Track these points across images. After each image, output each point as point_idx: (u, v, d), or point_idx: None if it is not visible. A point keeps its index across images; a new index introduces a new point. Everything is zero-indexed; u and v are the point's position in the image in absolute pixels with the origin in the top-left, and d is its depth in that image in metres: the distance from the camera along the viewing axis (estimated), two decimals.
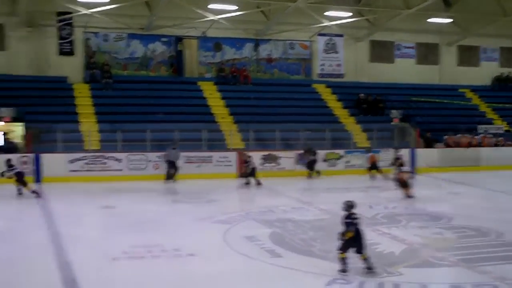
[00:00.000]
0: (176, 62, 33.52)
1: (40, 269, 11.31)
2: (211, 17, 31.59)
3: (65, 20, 30.18)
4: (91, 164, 24.72)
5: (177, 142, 25.35)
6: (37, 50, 30.87)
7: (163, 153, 24.92)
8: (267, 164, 26.74)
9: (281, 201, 19.91)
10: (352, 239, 10.46)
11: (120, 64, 32.62)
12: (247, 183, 23.73)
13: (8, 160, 21.28)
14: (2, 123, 27.95)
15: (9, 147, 25.34)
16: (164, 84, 32.16)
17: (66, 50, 30.68)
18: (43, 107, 27.93)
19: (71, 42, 30.60)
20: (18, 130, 28.30)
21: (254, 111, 30.74)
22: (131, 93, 30.46)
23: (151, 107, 29.47)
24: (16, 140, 26.94)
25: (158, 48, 33.47)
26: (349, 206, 10.69)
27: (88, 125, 27.19)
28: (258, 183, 23.61)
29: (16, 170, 20.77)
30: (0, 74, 29.70)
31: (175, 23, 31.81)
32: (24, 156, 24.11)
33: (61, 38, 30.48)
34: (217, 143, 27.37)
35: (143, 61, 33.14)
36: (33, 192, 20.35)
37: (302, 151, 26.79)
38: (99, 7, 29.60)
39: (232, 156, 26.42)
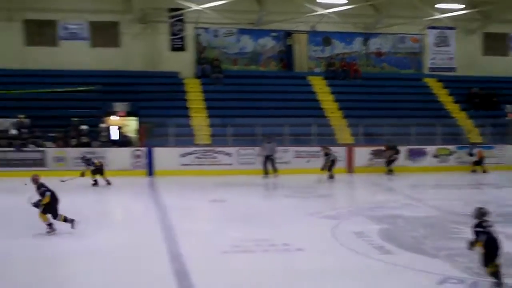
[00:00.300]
0: (286, 57, 33.56)
1: (152, 260, 11.54)
2: (321, 11, 31.41)
3: (177, 17, 30.79)
4: (202, 158, 25.12)
5: (272, 136, 25.24)
6: (149, 46, 31.69)
7: (259, 147, 24.91)
8: (376, 160, 26.30)
9: (390, 197, 19.56)
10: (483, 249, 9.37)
11: (230, 59, 32.98)
12: (331, 177, 23.50)
13: (84, 157, 22.33)
14: (117, 117, 28.88)
15: (124, 141, 26.10)
16: (273, 79, 32.25)
17: (177, 46, 31.29)
18: (156, 102, 28.55)
19: (182, 38, 31.18)
20: (132, 125, 29.19)
21: (364, 106, 30.31)
22: (241, 88, 30.69)
23: (261, 101, 29.58)
24: (130, 134, 27.75)
25: (268, 43, 33.61)
26: (482, 213, 9.43)
27: (199, 120, 27.64)
28: (331, 177, 23.41)
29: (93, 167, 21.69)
30: (115, 70, 30.62)
31: (285, 18, 31.79)
32: (137, 150, 24.78)
33: (173, 34, 31.12)
34: (326, 138, 27.15)
35: (253, 56, 33.38)
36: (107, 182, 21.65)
37: (383, 148, 26.11)
38: (210, 3, 30.00)
39: (341, 151, 26.15)
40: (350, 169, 25.71)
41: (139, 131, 26.88)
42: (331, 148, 24.40)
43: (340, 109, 30.11)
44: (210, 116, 28.10)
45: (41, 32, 31.08)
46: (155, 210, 17.21)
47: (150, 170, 24.68)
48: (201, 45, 32.60)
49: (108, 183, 21.86)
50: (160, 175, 24.29)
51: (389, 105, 30.66)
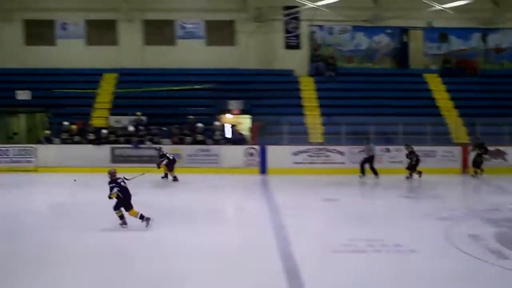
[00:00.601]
0: (401, 54, 32.99)
1: (263, 258, 11.66)
2: (438, 6, 30.64)
3: (292, 14, 30.93)
4: (314, 156, 25.09)
5: (369, 136, 24.80)
6: (264, 44, 31.96)
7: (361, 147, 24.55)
8: (493, 160, 25.40)
9: (508, 199, 18.87)
10: None
11: (344, 57, 32.78)
12: (410, 176, 22.95)
13: (160, 149, 22.93)
14: (231, 115, 29.33)
15: (238, 138, 26.44)
16: (388, 77, 31.72)
17: (292, 44, 31.44)
18: (270, 100, 28.75)
19: (297, 36, 31.30)
20: (245, 123, 29.56)
21: (481, 104, 29.29)
22: (355, 86, 30.39)
23: (374, 99, 29.22)
24: (244, 132, 28.09)
25: (383, 40, 33.17)
26: None
27: (313, 118, 27.61)
28: (409, 177, 22.85)
29: (166, 160, 22.22)
30: (230, 69, 31.12)
31: (400, 14, 31.24)
32: (250, 148, 25.06)
33: (288, 32, 31.29)
34: (441, 137, 26.49)
35: (367, 54, 33.03)
36: (174, 178, 22.21)
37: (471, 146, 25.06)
38: (325, 0, 29.88)
39: (457, 151, 25.44)
40: (464, 169, 24.95)
41: (253, 129, 27.16)
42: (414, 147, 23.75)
43: (456, 107, 29.24)
44: (323, 114, 28.00)
45: (160, 32, 32.07)
46: (267, 208, 17.34)
47: (263, 168, 24.90)
48: (316, 42, 32.58)
49: (175, 179, 22.38)
50: (272, 173, 24.45)
51: (509, 103, 29.48)
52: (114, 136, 25.55)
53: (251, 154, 24.89)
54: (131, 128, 25.80)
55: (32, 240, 13.26)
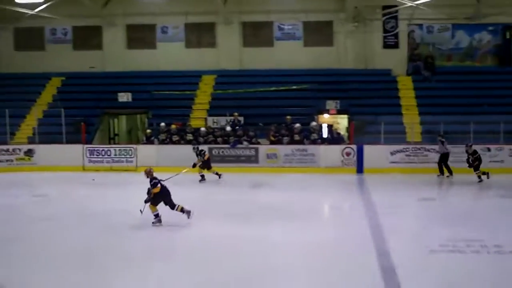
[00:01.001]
0: (503, 51, 32.05)
1: (359, 255, 11.74)
2: None
3: (390, 14, 30.65)
4: (412, 156, 24.76)
5: (443, 134, 24.13)
6: (362, 44, 31.77)
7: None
8: None
9: None
10: None
11: (444, 56, 32.15)
12: (481, 178, 22.02)
13: (197, 147, 23.03)
14: (328, 115, 29.35)
15: (335, 138, 26.40)
16: (489, 75, 30.88)
17: (390, 43, 31.15)
18: (367, 99, 28.63)
19: (395, 35, 30.98)
20: (342, 122, 29.51)
21: None
22: (454, 85, 29.76)
23: (474, 98, 28.56)
24: (341, 132, 28.03)
25: (484, 37, 32.31)
26: None
27: (410, 117, 27.27)
28: (480, 179, 21.96)
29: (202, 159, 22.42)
30: (328, 69, 31.14)
31: (503, 11, 30.38)
32: (347, 147, 25.00)
33: (386, 31, 31.03)
34: None
35: (468, 52, 32.25)
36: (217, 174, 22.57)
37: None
38: None
39: None
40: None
41: (350, 128, 27.10)
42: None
43: None
44: (421, 114, 27.62)
45: (257, 33, 32.47)
46: (364, 207, 17.36)
47: (359, 168, 24.79)
48: (414, 41, 32.10)
49: (219, 176, 22.59)
50: (369, 172, 24.32)
51: None
52: (212, 137, 26.04)
53: (348, 154, 24.84)
54: (228, 128, 26.23)
55: (130, 236, 13.81)
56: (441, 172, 23.29)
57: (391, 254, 11.68)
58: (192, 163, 22.14)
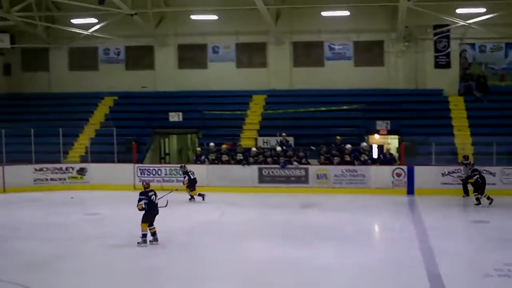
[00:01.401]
0: None
1: (411, 279, 11.64)
2: None
3: (442, 33, 30.36)
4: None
5: (468, 156, 23.88)
6: (413, 64, 31.53)
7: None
8: None
9: None
10: None
11: (496, 75, 31.64)
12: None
13: (183, 167, 23.46)
14: (378, 136, 29.16)
15: (388, 158, 26.12)
16: None
17: (442, 63, 30.79)
18: (418, 120, 28.37)
19: (447, 55, 30.66)
20: (393, 143, 29.27)
21: None
22: (507, 105, 29.17)
23: None
24: (392, 153, 27.77)
25: None
26: None
27: (462, 138, 26.89)
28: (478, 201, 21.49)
29: (188, 178, 22.71)
30: (379, 89, 30.97)
31: None
32: (398, 168, 24.78)
33: (437, 51, 30.70)
34: None
35: None
36: (199, 195, 22.67)
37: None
38: (476, 17, 29.10)
39: None
40: None
41: (400, 149, 26.87)
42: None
43: None
44: (473, 134, 27.24)
45: (308, 53, 32.51)
46: (415, 229, 17.20)
47: (410, 189, 24.50)
48: (466, 61, 31.69)
49: (203, 198, 22.72)
50: (420, 193, 24.03)
51: None
52: (262, 157, 26.10)
53: (399, 175, 24.62)
54: (279, 149, 26.25)
55: (179, 255, 13.96)
56: (466, 194, 23.05)
57: (442, 278, 11.54)
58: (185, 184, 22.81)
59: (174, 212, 20.35)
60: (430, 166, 24.85)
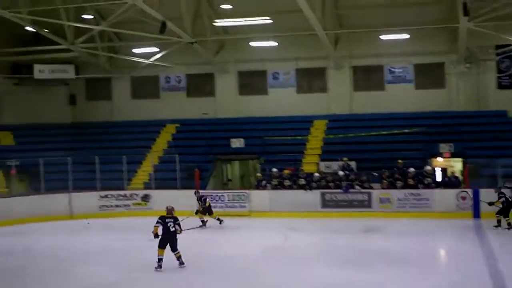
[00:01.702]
0: None
1: None
2: None
3: (504, 53, 29.92)
4: None
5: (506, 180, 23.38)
6: (475, 85, 31.10)
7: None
8: None
9: None
10: None
11: None
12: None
13: (197, 191, 23.67)
14: (441, 159, 28.77)
15: (454, 182, 25.69)
16: None
17: (505, 83, 30.38)
18: (482, 142, 27.93)
19: (510, 75, 30.18)
20: (457, 166, 28.82)
21: None
22: None
23: None
24: (457, 175, 27.31)
25: None
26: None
27: None
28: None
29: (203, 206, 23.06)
30: (440, 111, 30.70)
31: None
32: (462, 191, 24.38)
33: (500, 71, 30.29)
34: None
35: None
36: (217, 219, 23.08)
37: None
38: None
39: None
40: None
41: (465, 172, 26.45)
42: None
43: None
44: None
45: (368, 77, 32.49)
46: (482, 253, 16.86)
47: (476, 212, 24.04)
48: None
49: (220, 221, 22.94)
50: (486, 217, 23.52)
51: None
52: (325, 181, 26.04)
53: (464, 198, 24.21)
54: (341, 173, 26.17)
55: (247, 280, 13.99)
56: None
57: None
58: (195, 210, 23.00)
59: (237, 238, 20.60)
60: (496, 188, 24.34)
